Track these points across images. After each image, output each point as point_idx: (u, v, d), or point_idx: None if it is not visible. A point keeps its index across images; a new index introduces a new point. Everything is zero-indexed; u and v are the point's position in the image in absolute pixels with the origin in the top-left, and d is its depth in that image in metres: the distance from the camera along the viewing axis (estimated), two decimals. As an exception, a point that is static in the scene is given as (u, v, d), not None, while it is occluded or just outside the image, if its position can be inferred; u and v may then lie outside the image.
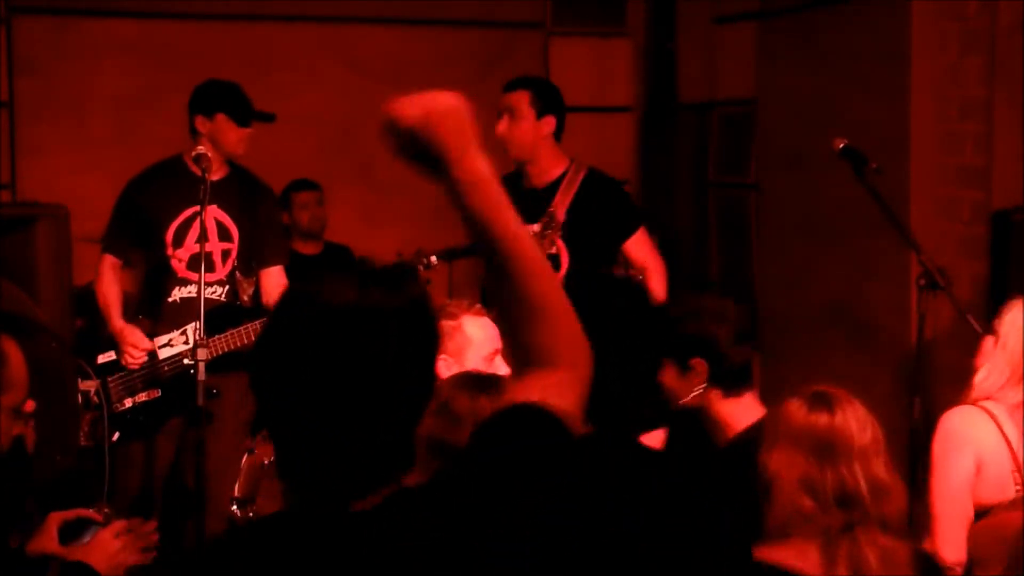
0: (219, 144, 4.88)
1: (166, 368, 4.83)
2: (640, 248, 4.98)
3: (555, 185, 4.94)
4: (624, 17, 7.41)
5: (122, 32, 6.55)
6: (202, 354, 4.21)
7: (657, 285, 4.93)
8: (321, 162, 6.70)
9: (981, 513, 3.48)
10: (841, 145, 4.48)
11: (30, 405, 2.74)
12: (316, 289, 1.80)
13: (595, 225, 4.92)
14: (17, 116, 6.43)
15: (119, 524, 2.97)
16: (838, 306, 6.02)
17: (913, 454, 4.42)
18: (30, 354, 2.78)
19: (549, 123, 4.93)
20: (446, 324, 3.45)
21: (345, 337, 1.76)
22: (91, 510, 3.05)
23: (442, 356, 3.31)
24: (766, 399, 7.18)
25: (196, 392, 4.21)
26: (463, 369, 3.24)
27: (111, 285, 4.92)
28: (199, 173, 4.83)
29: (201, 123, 4.87)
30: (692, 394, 3.38)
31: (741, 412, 3.37)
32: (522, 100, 4.92)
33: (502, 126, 4.90)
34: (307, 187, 6.48)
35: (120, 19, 6.56)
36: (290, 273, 6.29)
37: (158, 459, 4.88)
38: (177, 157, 5.01)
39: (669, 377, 3.42)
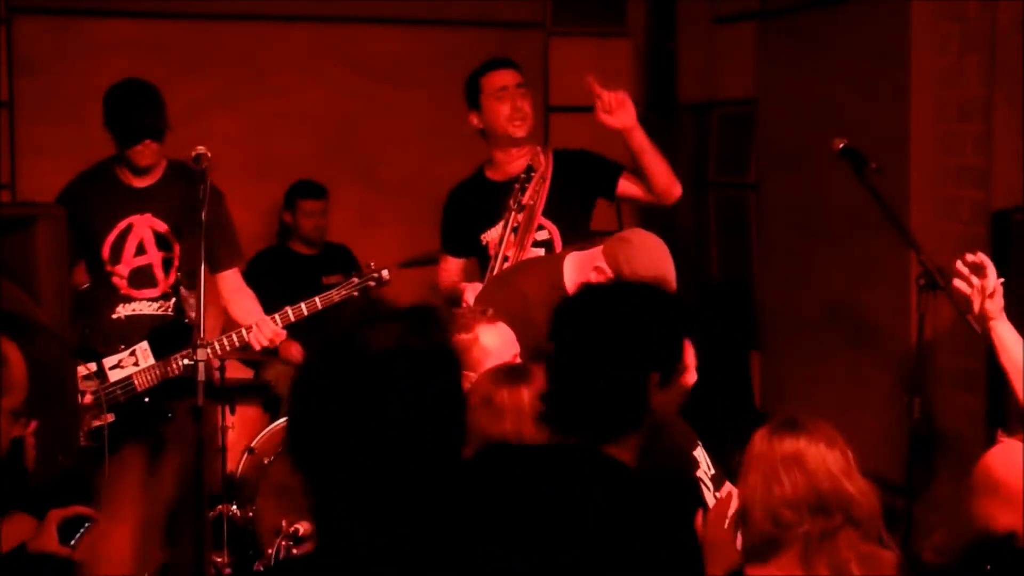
0: (123, 155, 4.64)
1: (118, 391, 4.62)
2: (630, 183, 4.66)
3: (528, 171, 4.66)
4: (624, 17, 7.41)
5: (122, 32, 6.54)
6: (201, 354, 4.19)
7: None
8: (321, 162, 6.70)
9: None
10: (841, 145, 4.47)
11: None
12: (355, 335, 1.89)
13: (580, 192, 4.68)
14: (17, 116, 6.43)
15: None
16: (838, 306, 6.01)
17: (913, 454, 4.42)
18: (30, 354, 2.78)
19: None
20: (462, 338, 3.30)
21: (386, 380, 1.84)
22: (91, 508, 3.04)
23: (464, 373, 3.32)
24: (766, 399, 7.18)
25: (196, 393, 4.16)
26: None
27: None
28: (127, 181, 4.67)
29: (107, 132, 4.65)
30: None
31: None
32: (522, 78, 4.78)
33: (524, 103, 4.71)
34: (315, 194, 6.43)
35: (120, 19, 6.56)
36: (289, 272, 6.25)
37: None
38: (106, 164, 4.77)
39: None
